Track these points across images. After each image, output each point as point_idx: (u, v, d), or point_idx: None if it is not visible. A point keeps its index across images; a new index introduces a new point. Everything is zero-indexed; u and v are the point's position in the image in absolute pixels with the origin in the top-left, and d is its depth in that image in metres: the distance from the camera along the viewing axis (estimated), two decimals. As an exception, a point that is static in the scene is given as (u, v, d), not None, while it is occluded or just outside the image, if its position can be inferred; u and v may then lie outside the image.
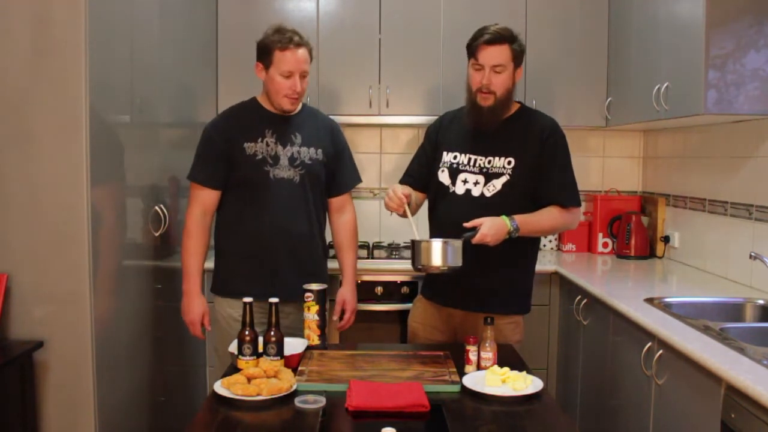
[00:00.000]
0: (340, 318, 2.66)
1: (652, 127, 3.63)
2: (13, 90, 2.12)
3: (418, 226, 2.25)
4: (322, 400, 1.81)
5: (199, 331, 2.48)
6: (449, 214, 2.36)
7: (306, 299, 2.25)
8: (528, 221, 2.29)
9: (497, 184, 2.34)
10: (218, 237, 2.55)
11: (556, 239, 3.90)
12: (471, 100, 2.36)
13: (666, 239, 3.56)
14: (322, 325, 2.26)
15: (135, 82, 2.49)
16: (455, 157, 2.40)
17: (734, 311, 2.54)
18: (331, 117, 3.55)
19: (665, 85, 2.86)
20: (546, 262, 3.48)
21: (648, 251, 3.61)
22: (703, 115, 2.62)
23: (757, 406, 1.60)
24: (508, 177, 2.34)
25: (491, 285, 2.38)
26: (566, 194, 2.38)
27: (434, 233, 2.40)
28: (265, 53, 2.42)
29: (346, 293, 2.65)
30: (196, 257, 2.47)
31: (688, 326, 2.13)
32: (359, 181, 2.75)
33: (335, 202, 2.65)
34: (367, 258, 3.51)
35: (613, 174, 3.98)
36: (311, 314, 2.25)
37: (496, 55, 2.29)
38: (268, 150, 2.45)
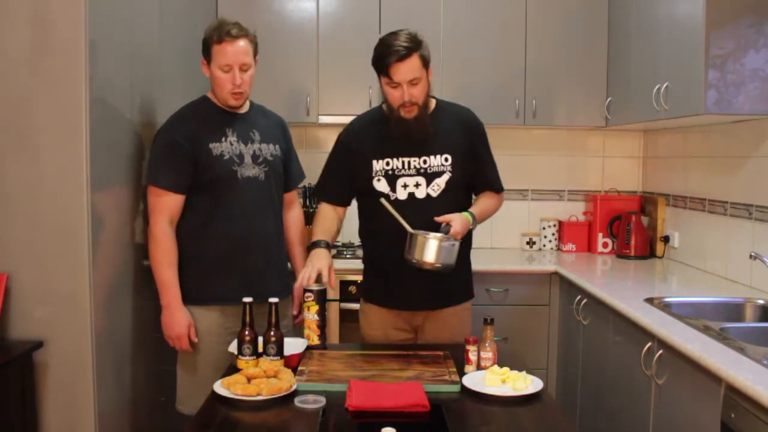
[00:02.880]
0: (298, 313, 2.60)
1: (652, 127, 3.63)
2: (13, 90, 2.12)
3: (404, 220, 2.24)
4: (322, 400, 1.81)
5: (186, 344, 2.35)
6: (393, 221, 2.28)
7: (306, 299, 2.25)
8: (481, 213, 2.39)
9: (440, 182, 2.34)
10: (184, 244, 2.38)
11: (555, 239, 3.90)
12: (395, 116, 2.30)
13: (666, 239, 3.56)
14: (322, 325, 2.25)
15: (135, 82, 2.49)
16: (388, 164, 2.35)
17: (734, 311, 2.54)
18: (330, 117, 3.60)
19: (665, 85, 2.86)
20: (546, 262, 3.48)
21: (648, 251, 3.61)
22: (703, 114, 2.62)
23: (757, 406, 1.60)
24: (449, 174, 2.35)
25: (447, 282, 2.37)
26: (498, 181, 2.50)
27: (375, 242, 2.42)
28: (204, 48, 2.35)
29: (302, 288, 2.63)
30: (170, 268, 2.34)
31: (688, 326, 2.13)
32: (304, 176, 2.73)
33: (285, 198, 2.61)
34: (367, 258, 3.50)
35: (613, 174, 3.98)
36: (311, 314, 2.24)
37: (409, 70, 2.23)
38: (233, 149, 2.38)
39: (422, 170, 2.34)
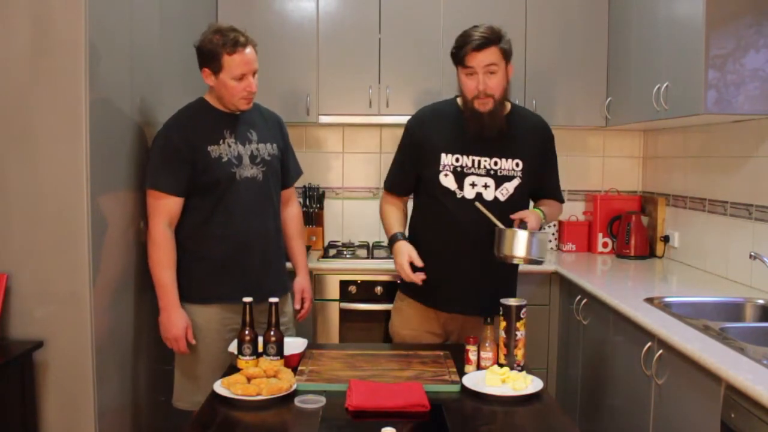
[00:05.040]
0: (300, 308, 2.67)
1: (652, 127, 3.63)
2: (13, 90, 2.12)
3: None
4: (322, 400, 1.81)
5: (184, 346, 2.37)
6: (459, 220, 2.31)
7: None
8: (547, 215, 2.41)
9: (510, 187, 2.34)
10: (184, 244, 2.41)
11: (555, 239, 3.90)
12: (469, 108, 2.30)
13: (666, 239, 3.56)
14: (508, 343, 2.06)
15: (135, 82, 2.49)
16: (458, 160, 2.34)
17: (734, 311, 2.54)
18: (330, 117, 3.61)
19: (665, 85, 2.86)
20: (546, 262, 3.48)
21: (648, 251, 3.61)
22: (703, 114, 2.62)
23: (757, 406, 1.60)
24: (519, 180, 2.35)
25: (497, 287, 2.37)
26: (560, 192, 2.54)
27: (430, 238, 2.36)
28: (211, 59, 2.33)
29: (303, 282, 2.69)
30: (169, 269, 2.36)
31: (688, 326, 2.13)
32: (302, 173, 2.76)
33: (283, 194, 2.64)
34: (367, 258, 3.51)
35: (613, 174, 3.98)
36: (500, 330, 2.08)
37: (485, 57, 2.24)
38: (231, 151, 2.40)
39: (492, 172, 2.33)
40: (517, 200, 2.36)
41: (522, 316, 2.04)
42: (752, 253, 2.54)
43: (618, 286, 2.94)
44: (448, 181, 2.34)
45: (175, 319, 2.35)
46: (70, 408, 2.18)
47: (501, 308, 2.07)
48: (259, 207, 2.46)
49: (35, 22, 2.10)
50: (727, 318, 2.47)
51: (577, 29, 3.58)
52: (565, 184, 3.93)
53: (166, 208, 2.36)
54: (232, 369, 2.04)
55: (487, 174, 2.33)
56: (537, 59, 3.57)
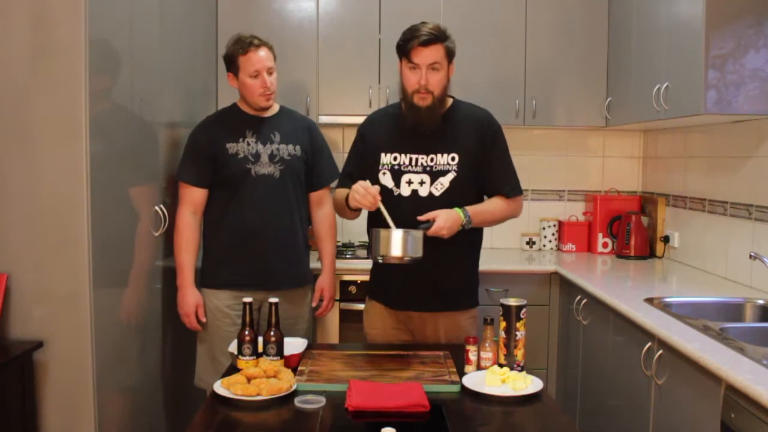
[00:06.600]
0: (318, 306, 2.79)
1: (652, 127, 3.63)
2: (13, 90, 2.12)
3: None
4: (322, 400, 1.81)
5: (194, 322, 2.59)
6: (397, 217, 2.24)
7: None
8: (478, 212, 2.31)
9: (444, 182, 2.32)
10: (205, 234, 2.68)
11: (555, 239, 3.90)
12: (408, 101, 2.31)
13: (666, 239, 3.56)
14: (508, 344, 2.05)
15: (135, 82, 2.49)
16: (395, 158, 2.35)
17: (734, 311, 2.54)
18: (330, 117, 3.60)
19: (665, 85, 2.86)
20: (546, 262, 3.48)
21: (648, 251, 3.61)
22: (703, 115, 2.62)
23: (757, 406, 1.60)
24: (454, 173, 2.32)
25: (446, 284, 2.37)
26: (509, 185, 2.42)
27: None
28: (231, 63, 2.61)
29: (324, 281, 2.80)
30: (188, 253, 2.61)
31: (688, 326, 2.13)
32: (338, 176, 2.76)
33: (314, 196, 2.79)
34: (367, 258, 3.50)
35: (613, 174, 3.98)
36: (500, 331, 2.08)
37: (431, 54, 2.25)
38: (249, 149, 2.61)
39: (428, 168, 2.33)
40: (456, 195, 2.31)
41: (522, 316, 2.04)
42: (752, 253, 2.54)
43: (618, 287, 2.94)
44: (385, 179, 2.36)
45: (188, 298, 2.59)
46: (70, 408, 2.18)
47: (501, 308, 2.07)
48: (273, 202, 2.62)
49: (35, 22, 2.10)
50: (727, 318, 2.47)
51: (577, 29, 3.58)
52: (565, 184, 3.99)
53: (190, 197, 2.62)
54: (232, 369, 2.04)
55: (424, 171, 2.33)
56: (537, 59, 3.57)
